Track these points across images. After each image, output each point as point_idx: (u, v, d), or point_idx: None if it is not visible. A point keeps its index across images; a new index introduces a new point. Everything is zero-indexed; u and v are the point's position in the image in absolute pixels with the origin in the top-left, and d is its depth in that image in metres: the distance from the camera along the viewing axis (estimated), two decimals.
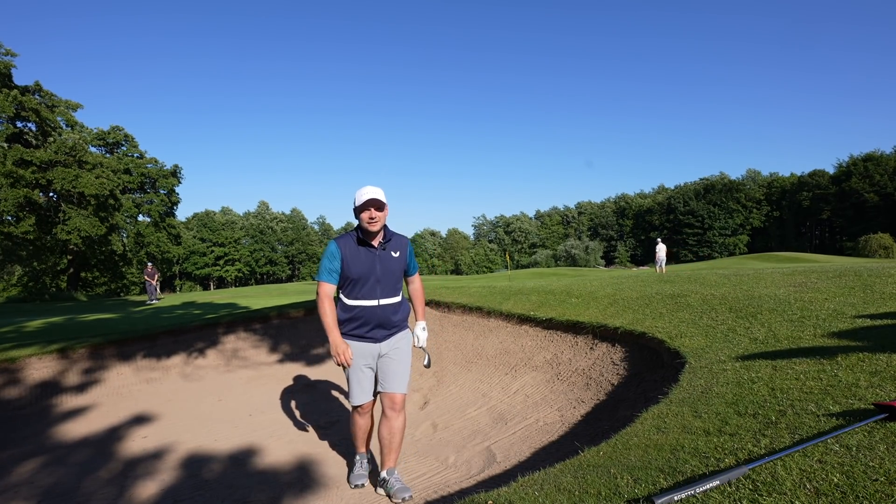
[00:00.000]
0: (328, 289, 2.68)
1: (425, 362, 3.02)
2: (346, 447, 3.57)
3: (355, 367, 2.74)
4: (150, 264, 18.73)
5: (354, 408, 2.85)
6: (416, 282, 3.04)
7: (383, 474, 2.79)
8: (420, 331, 2.94)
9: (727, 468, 1.57)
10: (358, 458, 3.05)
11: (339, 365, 2.68)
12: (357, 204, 2.61)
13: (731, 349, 3.14)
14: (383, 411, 2.77)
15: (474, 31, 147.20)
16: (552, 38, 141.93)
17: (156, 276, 18.50)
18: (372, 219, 2.60)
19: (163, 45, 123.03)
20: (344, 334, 2.71)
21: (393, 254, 2.73)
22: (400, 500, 2.62)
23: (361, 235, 2.68)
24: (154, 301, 17.44)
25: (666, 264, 19.74)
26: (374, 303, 2.69)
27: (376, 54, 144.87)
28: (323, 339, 6.40)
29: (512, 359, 4.84)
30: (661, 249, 19.19)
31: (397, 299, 2.79)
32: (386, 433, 2.76)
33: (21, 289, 28.82)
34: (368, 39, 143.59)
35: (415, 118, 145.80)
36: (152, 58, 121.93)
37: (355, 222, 2.72)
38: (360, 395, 2.79)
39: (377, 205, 2.59)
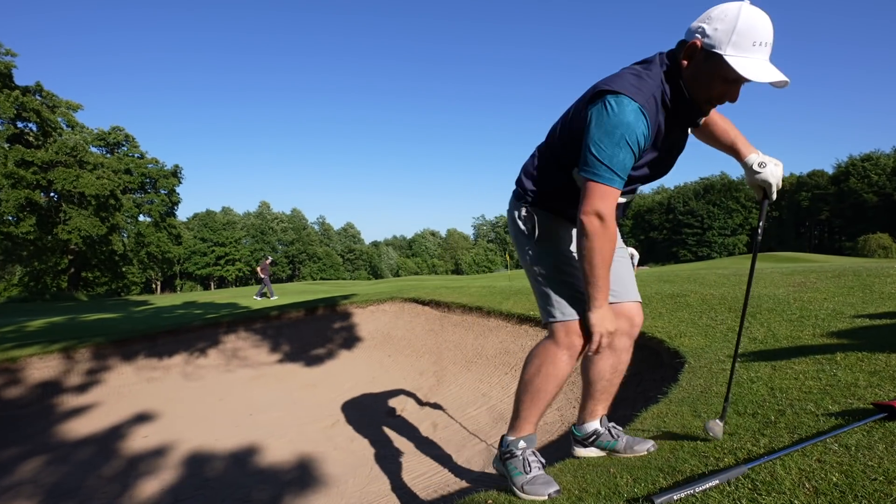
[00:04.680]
0: (615, 197, 1.45)
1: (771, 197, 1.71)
2: (347, 446, 3.58)
3: (574, 253, 1.69)
4: (269, 258, 17.67)
5: (563, 325, 1.65)
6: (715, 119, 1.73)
7: (595, 426, 1.94)
8: (760, 165, 1.66)
9: (726, 467, 1.58)
10: (524, 444, 1.78)
11: (596, 350, 1.59)
12: (740, 50, 1.33)
13: (730, 349, 3.14)
14: None
15: (474, 29, 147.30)
16: (551, 35, 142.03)
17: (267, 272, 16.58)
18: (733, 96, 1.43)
19: (163, 46, 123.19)
20: (552, 209, 1.70)
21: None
22: (646, 451, 1.84)
23: (674, 98, 1.47)
24: (274, 297, 15.61)
25: (638, 266, 20.31)
26: (629, 199, 1.70)
27: (376, 54, 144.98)
28: (323, 339, 6.40)
29: (512, 358, 4.84)
30: (634, 255, 19.89)
31: None
32: (609, 368, 1.86)
33: (22, 289, 28.85)
34: (368, 38, 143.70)
35: (414, 119, 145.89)
36: (153, 58, 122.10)
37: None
38: (582, 298, 1.62)
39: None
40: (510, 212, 1.84)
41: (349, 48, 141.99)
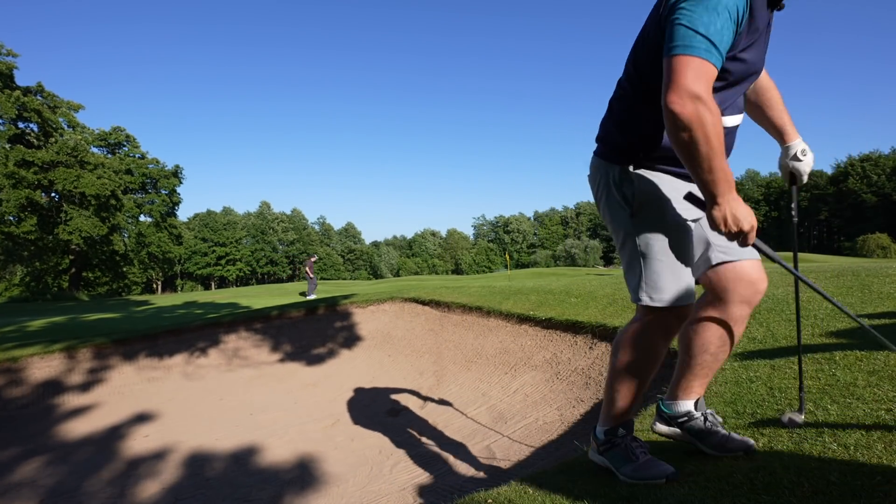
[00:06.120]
0: (711, 76, 1.17)
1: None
2: (347, 445, 3.58)
3: (680, 225, 1.45)
4: (314, 256, 17.40)
5: (659, 311, 1.48)
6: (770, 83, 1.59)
7: (689, 407, 1.67)
8: (803, 153, 1.56)
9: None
10: (623, 431, 1.65)
11: (735, 236, 1.25)
12: None
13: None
14: (723, 300, 1.53)
15: (473, 31, 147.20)
16: (550, 35, 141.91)
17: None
18: None
19: (164, 46, 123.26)
20: (658, 162, 1.44)
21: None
22: (742, 452, 1.63)
23: None
24: (311, 296, 15.08)
25: None
26: (737, 121, 1.45)
27: (376, 54, 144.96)
28: (324, 339, 6.41)
29: (511, 358, 4.84)
30: None
31: None
32: (717, 340, 1.56)
33: (23, 289, 28.82)
34: (368, 38, 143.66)
35: (414, 119, 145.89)
36: (154, 58, 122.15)
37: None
38: (687, 276, 1.47)
39: None
40: (598, 178, 1.55)
41: (349, 47, 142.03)
